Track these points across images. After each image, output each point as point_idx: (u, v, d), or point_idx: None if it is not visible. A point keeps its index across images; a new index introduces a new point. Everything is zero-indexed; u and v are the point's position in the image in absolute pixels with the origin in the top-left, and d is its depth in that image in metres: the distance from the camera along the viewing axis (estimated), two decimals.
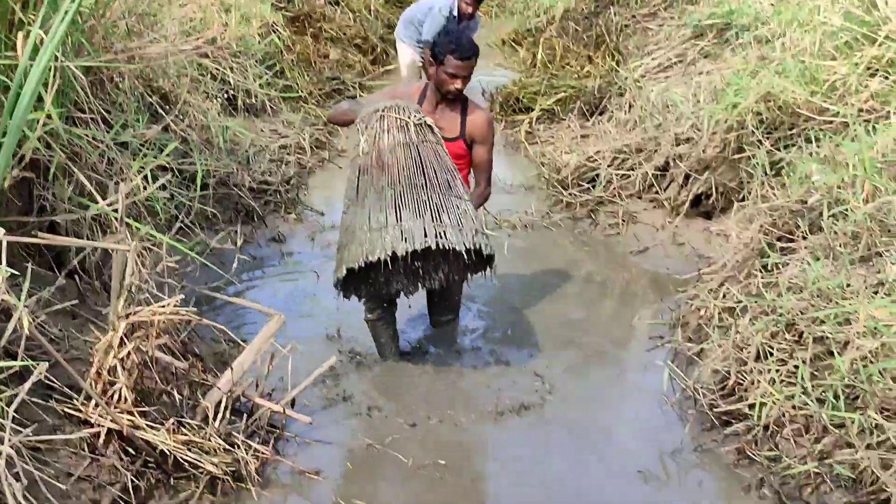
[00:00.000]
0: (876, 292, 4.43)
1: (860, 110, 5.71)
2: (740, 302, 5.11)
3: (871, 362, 4.00)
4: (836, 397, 4.14)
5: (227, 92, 8.60)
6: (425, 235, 4.41)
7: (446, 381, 5.22)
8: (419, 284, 4.91)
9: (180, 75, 7.02)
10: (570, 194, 7.71)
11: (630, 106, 8.31)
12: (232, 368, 4.44)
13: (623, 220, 7.29)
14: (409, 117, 4.67)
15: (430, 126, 4.73)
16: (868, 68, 5.94)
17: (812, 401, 4.25)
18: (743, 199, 6.42)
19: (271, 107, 9.11)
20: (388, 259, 4.42)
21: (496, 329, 5.86)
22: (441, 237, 4.43)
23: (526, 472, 4.49)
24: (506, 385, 5.14)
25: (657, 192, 7.27)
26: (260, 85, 9.03)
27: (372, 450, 4.57)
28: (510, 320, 5.94)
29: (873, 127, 5.36)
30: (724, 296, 5.34)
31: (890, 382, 3.88)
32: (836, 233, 4.79)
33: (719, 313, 5.26)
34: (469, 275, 4.89)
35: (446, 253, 4.61)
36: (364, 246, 4.43)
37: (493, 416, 4.87)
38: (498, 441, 4.75)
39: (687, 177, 7.00)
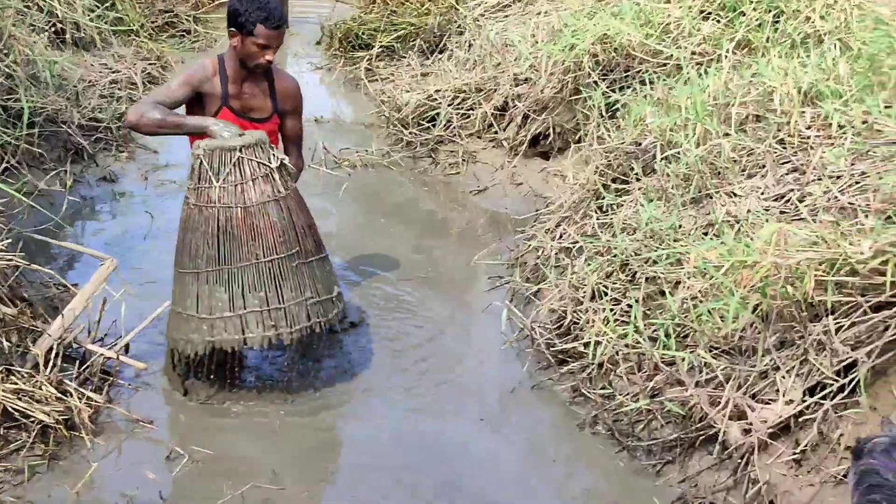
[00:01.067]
0: (706, 233, 4.57)
1: (693, 53, 5.85)
2: (576, 242, 5.21)
3: (701, 302, 4.12)
4: (668, 335, 4.26)
5: (54, 25, 8.22)
6: (308, 318, 4.17)
7: None
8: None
9: (4, 7, 6.62)
10: (410, 133, 7.68)
11: (469, 45, 8.30)
12: (63, 314, 4.30)
13: (463, 160, 7.31)
14: (271, 161, 4.07)
15: (286, 166, 4.17)
16: (701, 11, 6.08)
17: (644, 339, 4.36)
18: (580, 141, 6.50)
19: (101, 40, 8.75)
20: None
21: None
22: (321, 315, 4.25)
23: (366, 416, 4.47)
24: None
25: (496, 132, 7.29)
26: (89, 18, 8.65)
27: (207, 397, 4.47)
28: (347, 260, 5.88)
29: (705, 70, 5.49)
30: (560, 236, 5.43)
31: (718, 321, 4.00)
32: (668, 175, 4.90)
33: (556, 254, 5.35)
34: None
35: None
36: (233, 328, 4.09)
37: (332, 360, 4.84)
38: (337, 387, 4.70)
39: (525, 117, 7.05)
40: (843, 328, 3.63)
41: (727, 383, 3.92)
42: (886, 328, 3.56)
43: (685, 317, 4.18)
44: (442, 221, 6.64)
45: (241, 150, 4.02)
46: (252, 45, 4.22)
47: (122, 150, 7.12)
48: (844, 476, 3.58)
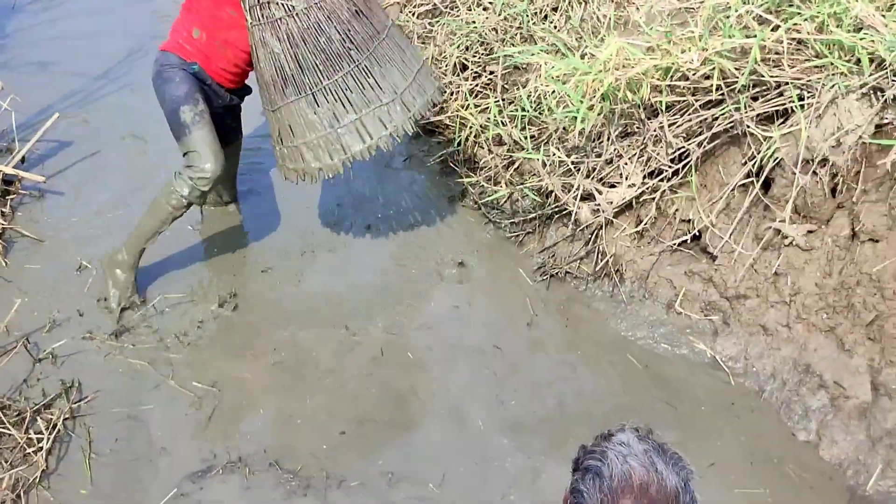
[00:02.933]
0: (555, 8, 4.82)
1: None
2: (436, 8, 5.37)
3: (549, 101, 4.45)
4: (523, 129, 4.64)
5: None
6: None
7: None
8: None
9: None
10: None
11: None
12: None
13: None
14: None
15: None
16: None
17: (504, 120, 4.73)
18: None
19: None
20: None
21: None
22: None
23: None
24: None
25: None
26: None
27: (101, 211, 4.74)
28: None
29: None
30: (420, 3, 5.55)
31: (568, 124, 4.36)
32: None
33: (415, 19, 5.51)
34: None
35: None
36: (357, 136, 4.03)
37: None
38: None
39: None
40: (678, 124, 4.06)
41: (577, 172, 4.36)
42: (714, 120, 4.00)
43: (539, 114, 4.52)
44: None
45: None
46: None
47: None
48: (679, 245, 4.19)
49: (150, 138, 5.13)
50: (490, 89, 4.93)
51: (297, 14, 3.88)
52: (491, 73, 4.92)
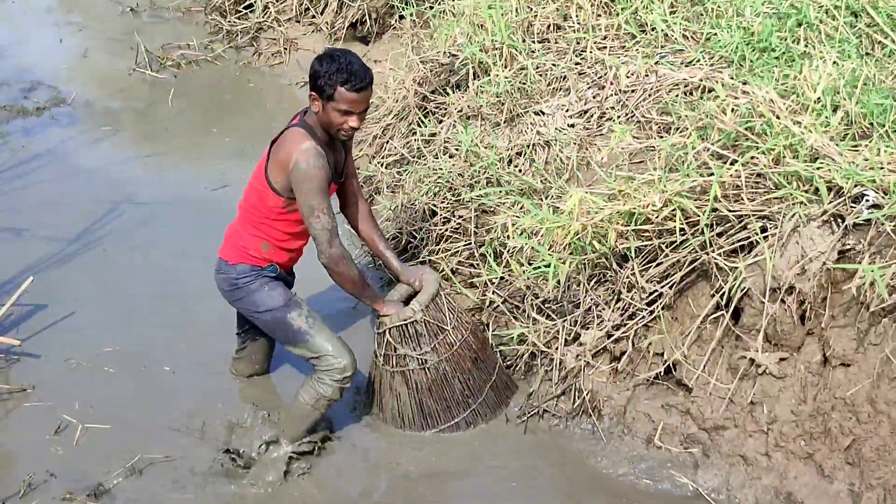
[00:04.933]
0: (520, 153, 4.94)
1: None
2: (404, 158, 5.51)
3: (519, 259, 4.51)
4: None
5: None
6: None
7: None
8: None
9: None
10: (229, 21, 7.65)
11: None
12: None
13: (285, 48, 7.38)
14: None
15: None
16: None
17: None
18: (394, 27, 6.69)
19: None
20: None
21: None
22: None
23: None
24: None
25: (314, 17, 7.36)
26: None
27: (79, 366, 4.71)
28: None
29: None
30: (388, 153, 5.70)
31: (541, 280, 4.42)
32: (482, 96, 5.19)
33: (384, 169, 5.64)
34: None
35: None
36: None
37: None
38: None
39: (342, 3, 7.14)
40: (649, 270, 4.13)
41: (558, 318, 4.39)
42: (685, 262, 4.08)
43: (509, 273, 4.58)
44: (272, 124, 6.77)
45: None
46: (333, 110, 3.77)
47: None
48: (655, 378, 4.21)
49: (123, 298, 5.14)
50: (460, 234, 5.01)
51: (428, 367, 4.12)
52: (460, 217, 5.01)
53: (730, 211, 3.87)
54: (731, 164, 3.98)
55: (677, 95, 4.69)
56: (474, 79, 5.29)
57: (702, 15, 5.10)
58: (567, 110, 4.97)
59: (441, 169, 5.12)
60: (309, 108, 3.89)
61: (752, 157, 3.93)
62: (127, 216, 5.76)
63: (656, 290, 4.13)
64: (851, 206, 3.70)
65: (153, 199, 5.92)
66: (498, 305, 4.60)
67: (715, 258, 3.90)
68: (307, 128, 3.86)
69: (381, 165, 5.66)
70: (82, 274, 5.34)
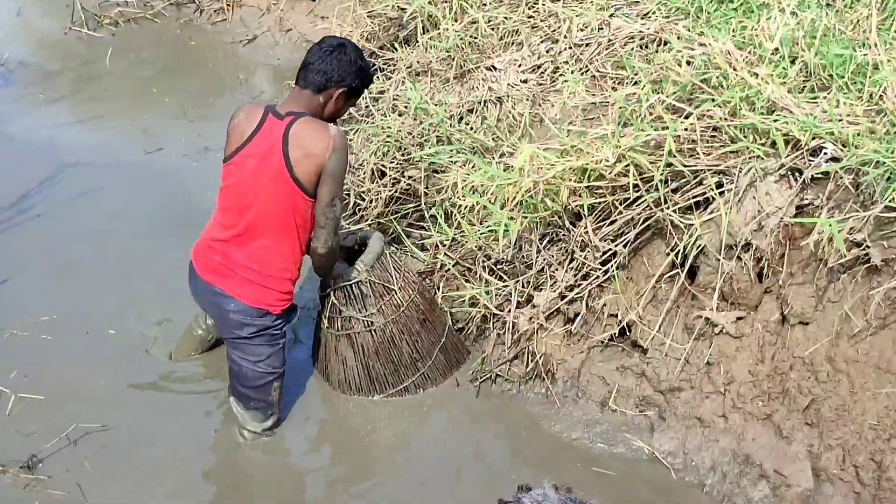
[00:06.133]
0: (471, 110, 4.79)
1: None
2: (353, 117, 5.33)
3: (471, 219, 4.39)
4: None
5: None
6: None
7: None
8: None
9: None
10: None
11: None
12: None
13: (228, 5, 7.15)
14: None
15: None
16: None
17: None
18: None
19: None
20: None
21: None
22: None
23: None
24: None
25: None
26: None
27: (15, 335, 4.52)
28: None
29: None
30: None
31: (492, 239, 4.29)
32: (432, 51, 5.04)
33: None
34: None
35: None
36: None
37: None
38: None
39: None
40: (602, 228, 4.00)
41: (511, 279, 4.25)
42: (639, 219, 3.95)
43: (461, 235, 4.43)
44: (216, 84, 6.58)
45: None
46: (350, 103, 3.77)
47: None
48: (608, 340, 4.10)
49: (61, 263, 4.95)
50: (409, 195, 4.86)
51: (374, 329, 3.99)
52: (410, 177, 4.85)
53: (685, 166, 3.75)
54: (687, 117, 3.85)
55: (633, 49, 4.56)
56: (424, 33, 5.12)
57: None
58: (520, 65, 4.82)
59: (390, 127, 4.95)
60: (279, 103, 3.72)
61: (708, 110, 3.80)
62: (62, 181, 5.53)
63: (610, 249, 4.00)
64: (809, 160, 3.58)
65: (89, 163, 5.68)
66: (449, 268, 4.46)
67: (670, 215, 3.78)
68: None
69: None
70: (17, 240, 5.12)
